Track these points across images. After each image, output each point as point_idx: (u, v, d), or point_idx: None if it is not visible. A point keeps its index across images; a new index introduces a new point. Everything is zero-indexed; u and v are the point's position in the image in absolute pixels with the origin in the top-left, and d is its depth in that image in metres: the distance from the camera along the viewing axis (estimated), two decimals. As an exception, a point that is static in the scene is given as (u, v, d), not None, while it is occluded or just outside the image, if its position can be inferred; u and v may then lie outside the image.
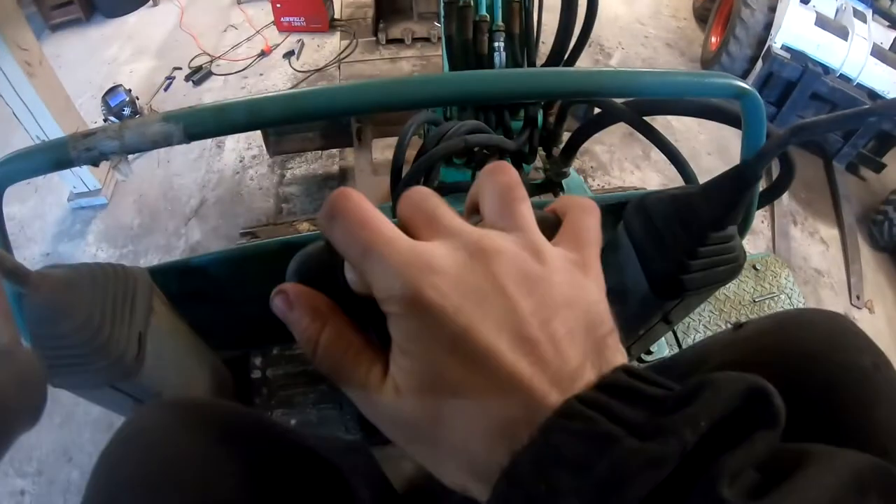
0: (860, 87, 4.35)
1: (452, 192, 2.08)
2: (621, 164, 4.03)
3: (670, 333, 2.02)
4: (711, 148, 4.39)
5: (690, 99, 1.29)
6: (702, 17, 5.81)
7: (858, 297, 3.70)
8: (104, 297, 0.93)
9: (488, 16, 2.14)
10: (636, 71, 1.09)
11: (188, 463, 0.65)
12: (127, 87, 4.20)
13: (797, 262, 3.78)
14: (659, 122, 4.30)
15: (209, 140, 4.00)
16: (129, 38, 5.27)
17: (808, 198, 4.27)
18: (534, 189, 2.30)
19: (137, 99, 4.26)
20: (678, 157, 1.59)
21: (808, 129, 0.96)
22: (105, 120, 4.07)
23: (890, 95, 4.32)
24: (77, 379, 0.93)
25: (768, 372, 0.41)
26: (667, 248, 1.15)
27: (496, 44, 2.15)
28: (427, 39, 4.83)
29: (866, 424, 0.70)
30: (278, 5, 4.98)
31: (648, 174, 4.00)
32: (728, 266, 1.16)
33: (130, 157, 0.97)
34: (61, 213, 3.66)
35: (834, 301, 3.63)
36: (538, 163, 2.39)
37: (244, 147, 3.91)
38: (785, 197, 4.14)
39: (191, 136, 0.89)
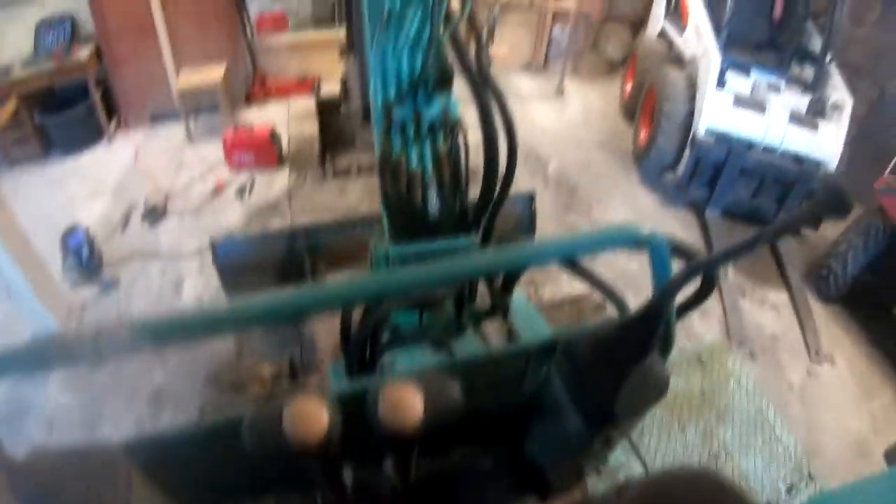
0: (785, 154, 4.69)
1: (404, 340, 2.28)
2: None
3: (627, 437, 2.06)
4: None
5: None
6: (629, 114, 6.25)
7: (817, 353, 3.91)
8: (87, 483, 1.03)
9: (419, 168, 2.30)
10: (545, 241, 1.31)
11: None
12: (85, 226, 4.40)
13: (751, 333, 3.98)
14: (600, 221, 4.56)
15: (167, 279, 4.24)
16: (85, 176, 5.48)
17: (752, 268, 4.55)
18: (482, 315, 2.42)
19: (95, 239, 4.43)
20: (607, 288, 1.77)
21: (702, 266, 1.17)
22: (64, 260, 4.26)
23: (813, 156, 4.69)
24: None
25: None
26: (594, 384, 1.30)
27: (428, 194, 2.32)
28: (371, 169, 5.03)
29: None
30: (229, 144, 5.30)
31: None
32: (652, 390, 1.29)
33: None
34: None
35: (793, 362, 3.84)
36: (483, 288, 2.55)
37: (203, 288, 4.11)
38: (730, 272, 4.41)
39: (159, 342, 1.06)
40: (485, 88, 2.21)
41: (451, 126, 2.31)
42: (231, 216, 4.86)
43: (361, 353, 2.09)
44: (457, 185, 2.37)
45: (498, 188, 2.37)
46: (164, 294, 4.13)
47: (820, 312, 4.24)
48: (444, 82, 2.28)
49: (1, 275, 3.44)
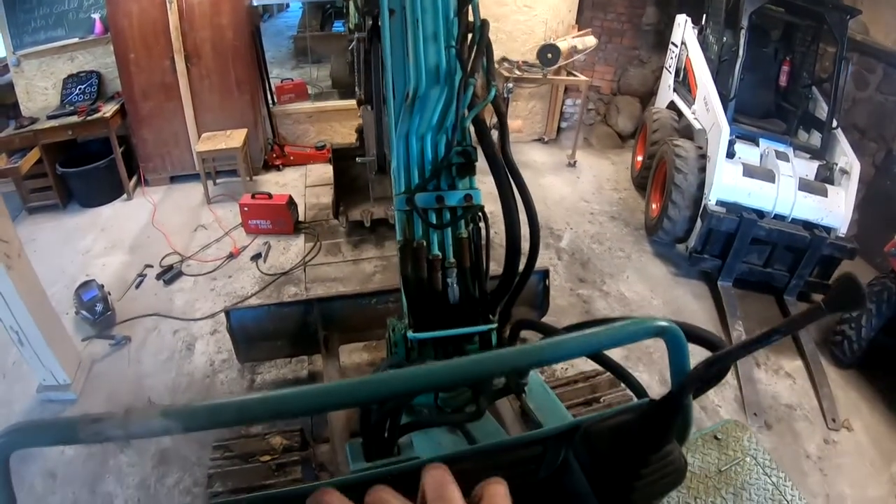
0: (795, 221, 4.69)
1: (421, 423, 2.21)
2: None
3: None
4: (667, 311, 4.69)
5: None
6: (641, 185, 6.30)
7: (834, 420, 3.81)
8: None
9: (440, 254, 2.28)
10: (565, 338, 1.27)
11: None
12: (100, 283, 4.44)
13: (767, 402, 3.92)
14: (612, 293, 4.61)
15: (179, 339, 4.24)
16: (102, 230, 5.56)
17: None
18: (496, 394, 2.36)
19: (109, 294, 4.47)
20: (625, 374, 1.78)
21: (722, 360, 1.16)
22: (77, 313, 4.28)
23: (823, 222, 4.69)
24: None
25: None
26: (612, 474, 1.29)
27: (449, 280, 2.29)
28: (385, 221, 5.17)
29: None
30: (246, 209, 5.38)
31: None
32: (670, 477, 1.29)
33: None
34: (29, 403, 3.73)
35: (810, 430, 3.75)
36: None
37: (214, 350, 4.10)
38: None
39: (187, 429, 1.00)
40: (507, 175, 2.19)
41: (473, 212, 2.32)
42: (245, 281, 4.88)
43: (380, 434, 2.05)
44: (477, 271, 2.37)
45: (519, 273, 2.34)
46: (175, 354, 4.11)
47: (836, 378, 4.18)
48: (468, 167, 2.31)
49: (15, 321, 3.43)
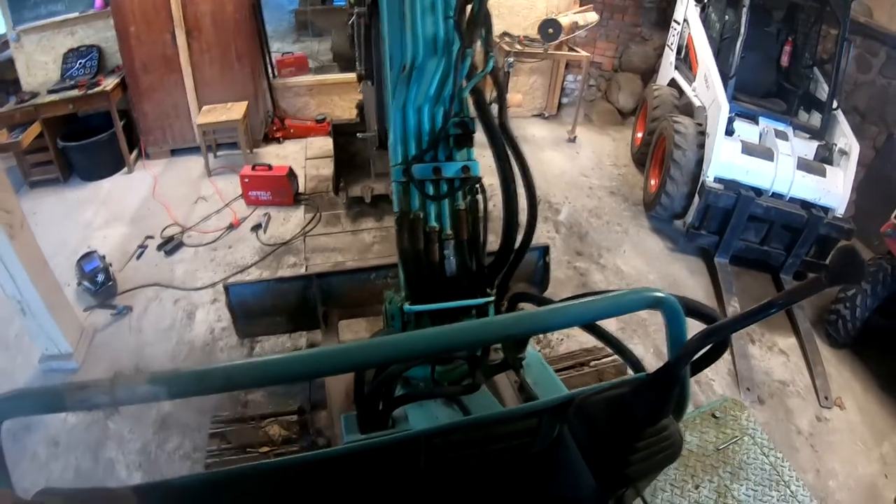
0: (793, 200, 4.74)
1: (417, 395, 2.25)
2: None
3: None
4: (663, 284, 4.75)
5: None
6: (640, 161, 6.33)
7: (827, 398, 3.87)
8: None
9: (437, 225, 2.28)
10: (563, 306, 1.30)
11: None
12: (101, 254, 4.49)
13: (760, 378, 3.96)
14: (609, 267, 4.66)
15: (180, 308, 4.29)
16: (103, 203, 5.60)
17: None
18: (493, 369, 2.36)
19: (111, 265, 4.52)
20: (621, 347, 1.80)
21: (718, 332, 1.16)
22: (79, 284, 4.34)
23: (821, 202, 4.74)
24: None
25: None
26: (608, 447, 1.30)
27: (446, 252, 2.29)
28: (385, 197, 5.15)
29: None
30: (246, 180, 5.42)
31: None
32: (666, 452, 1.30)
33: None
34: (31, 373, 3.78)
35: (803, 407, 3.81)
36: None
37: (214, 319, 4.15)
38: None
39: (174, 395, 1.01)
40: (506, 147, 2.21)
41: (471, 184, 2.31)
42: (245, 251, 4.93)
43: (374, 406, 2.08)
44: (475, 243, 2.36)
45: (516, 247, 2.36)
46: (176, 322, 4.17)
47: (829, 357, 4.22)
48: (466, 138, 2.29)
49: (18, 291, 3.48)
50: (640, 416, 1.25)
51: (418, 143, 2.29)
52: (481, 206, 2.35)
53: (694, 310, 1.37)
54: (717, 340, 1.21)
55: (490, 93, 2.44)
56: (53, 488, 1.00)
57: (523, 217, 2.39)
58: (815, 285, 1.04)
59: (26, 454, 3.23)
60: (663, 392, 1.22)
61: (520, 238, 2.39)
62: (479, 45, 2.07)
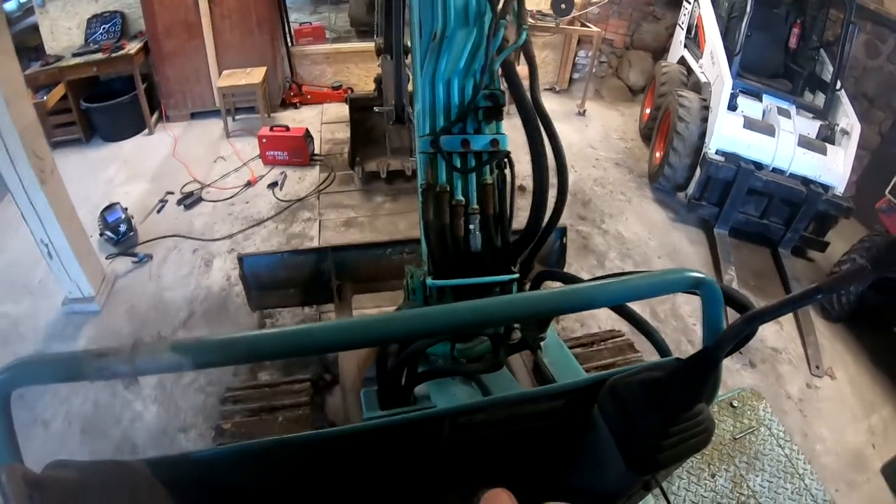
0: (793, 176, 4.83)
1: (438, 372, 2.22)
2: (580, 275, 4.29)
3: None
4: (662, 252, 4.87)
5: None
6: (647, 136, 6.42)
7: (818, 367, 3.95)
8: (109, 499, 0.99)
9: (464, 199, 2.19)
10: (599, 284, 1.25)
11: None
12: (124, 206, 4.69)
13: (753, 343, 3.97)
14: (611, 232, 4.72)
15: (198, 256, 4.49)
16: (125, 162, 5.78)
17: (758, 284, 4.64)
18: (513, 348, 2.24)
19: (133, 218, 4.72)
20: (650, 330, 1.78)
21: (761, 317, 1.13)
22: (101, 234, 4.55)
23: (821, 179, 4.83)
24: None
25: None
26: (640, 430, 1.27)
27: (471, 226, 2.19)
28: (401, 172, 5.27)
29: None
30: (264, 140, 5.59)
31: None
32: (698, 438, 1.24)
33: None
34: (55, 315, 3.96)
35: (794, 374, 3.90)
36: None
37: (231, 267, 4.31)
38: (735, 286, 4.37)
39: (197, 365, 0.95)
40: (537, 120, 2.11)
41: (499, 157, 2.23)
42: (262, 206, 5.11)
43: (396, 383, 2.04)
44: (501, 219, 2.28)
45: (544, 223, 2.25)
46: (194, 269, 4.36)
47: (823, 330, 4.30)
48: (495, 111, 2.20)
49: (46, 234, 3.64)
50: (675, 400, 1.21)
51: (447, 115, 2.21)
52: (509, 180, 2.27)
53: (731, 297, 1.34)
54: (760, 325, 1.17)
55: (519, 64, 2.36)
56: (65, 460, 0.96)
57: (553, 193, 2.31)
58: (859, 273, 1.05)
59: (48, 389, 3.37)
60: (700, 377, 1.18)
61: (547, 216, 2.28)
62: (511, 16, 1.99)
